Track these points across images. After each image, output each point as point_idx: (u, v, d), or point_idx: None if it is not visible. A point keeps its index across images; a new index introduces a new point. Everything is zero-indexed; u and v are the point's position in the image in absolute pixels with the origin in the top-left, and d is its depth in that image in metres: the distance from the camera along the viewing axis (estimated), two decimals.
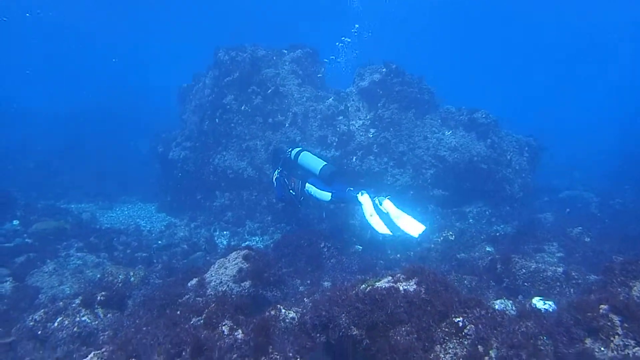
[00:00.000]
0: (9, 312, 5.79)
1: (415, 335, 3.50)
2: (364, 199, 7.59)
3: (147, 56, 50.30)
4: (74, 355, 4.00)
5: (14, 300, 6.23)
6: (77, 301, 5.22)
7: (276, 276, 5.92)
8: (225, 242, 10.83)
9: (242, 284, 5.59)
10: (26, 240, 9.52)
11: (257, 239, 10.87)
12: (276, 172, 8.80)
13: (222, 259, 6.13)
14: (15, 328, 4.87)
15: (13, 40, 44.06)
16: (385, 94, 11.78)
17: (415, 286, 3.95)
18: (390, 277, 4.30)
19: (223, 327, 3.94)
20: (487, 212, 10.97)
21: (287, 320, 4.35)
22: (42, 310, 5.13)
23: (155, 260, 8.61)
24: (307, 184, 8.27)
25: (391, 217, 7.28)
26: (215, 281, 5.65)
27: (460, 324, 3.42)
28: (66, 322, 4.95)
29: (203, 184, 13.01)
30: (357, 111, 12.15)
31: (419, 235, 7.06)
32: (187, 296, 5.17)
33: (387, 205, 7.45)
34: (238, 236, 11.18)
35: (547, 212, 10.97)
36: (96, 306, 5.22)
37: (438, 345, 3.40)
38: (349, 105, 12.20)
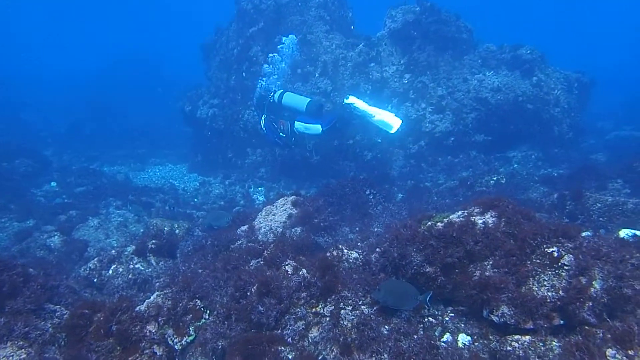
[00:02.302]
0: (61, 263, 5.79)
1: (504, 269, 3.18)
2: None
3: (169, 14, 48.99)
4: (134, 300, 3.90)
5: (64, 252, 6.24)
6: (130, 249, 5.13)
7: (326, 222, 5.67)
8: (261, 198, 10.68)
9: (293, 230, 5.37)
10: (65, 200, 9.56)
11: None
12: (263, 118, 8.44)
13: (268, 206, 5.91)
14: (71, 277, 4.83)
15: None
16: (420, 35, 11.04)
17: (493, 219, 3.60)
18: (461, 212, 3.96)
19: (286, 267, 3.71)
20: (533, 156, 10.40)
21: (351, 260, 4.11)
22: (96, 259, 5.07)
23: (196, 216, 8.52)
24: (295, 123, 7.93)
25: (368, 113, 7.69)
26: (264, 228, 5.45)
27: (555, 254, 3.08)
28: (120, 270, 4.87)
29: (233, 141, 12.76)
30: (389, 56, 11.47)
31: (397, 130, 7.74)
32: (239, 242, 4.98)
33: (355, 100, 7.72)
34: (274, 191, 10.98)
35: (598, 152, 10.31)
36: (148, 254, 5.12)
37: (530, 279, 3.08)
38: (380, 50, 11.51)
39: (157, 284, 4.60)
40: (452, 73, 10.79)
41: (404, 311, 3.49)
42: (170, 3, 47.56)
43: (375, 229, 6.20)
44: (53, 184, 10.86)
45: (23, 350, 2.71)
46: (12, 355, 2.65)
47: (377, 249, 4.54)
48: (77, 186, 10.81)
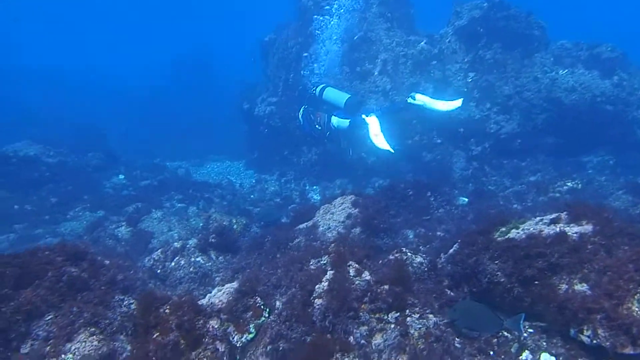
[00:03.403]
0: (129, 253, 6.04)
1: (596, 285, 2.84)
2: (371, 119, 7.46)
3: (227, 12, 50.24)
4: (194, 293, 3.94)
5: (131, 243, 6.51)
6: (192, 242, 5.23)
7: (387, 224, 5.47)
8: (316, 197, 10.64)
9: (352, 230, 5.22)
10: (132, 192, 10.02)
11: None
12: (302, 109, 8.61)
13: (326, 205, 5.80)
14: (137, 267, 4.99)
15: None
16: (487, 32, 10.49)
17: (583, 228, 3.24)
18: (541, 218, 3.62)
19: (349, 269, 3.56)
20: (610, 162, 9.52)
21: (415, 265, 3.89)
22: (160, 250, 5.21)
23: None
24: (332, 117, 7.98)
25: (428, 106, 7.84)
26: (322, 226, 5.35)
27: None
28: (182, 262, 4.97)
29: (290, 139, 12.80)
30: (453, 54, 10.98)
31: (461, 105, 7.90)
32: (297, 240, 4.91)
33: (420, 97, 7.85)
34: (329, 191, 10.90)
35: None
36: (209, 248, 5.19)
37: (629, 297, 2.72)
38: (443, 47, 11.07)
39: (217, 278, 4.64)
40: (520, 71, 10.15)
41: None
42: (224, 2, 48.71)
43: (438, 233, 5.91)
44: (121, 176, 11.44)
45: (95, 337, 2.78)
46: (85, 341, 2.73)
47: (442, 254, 4.28)
48: (142, 179, 11.33)
